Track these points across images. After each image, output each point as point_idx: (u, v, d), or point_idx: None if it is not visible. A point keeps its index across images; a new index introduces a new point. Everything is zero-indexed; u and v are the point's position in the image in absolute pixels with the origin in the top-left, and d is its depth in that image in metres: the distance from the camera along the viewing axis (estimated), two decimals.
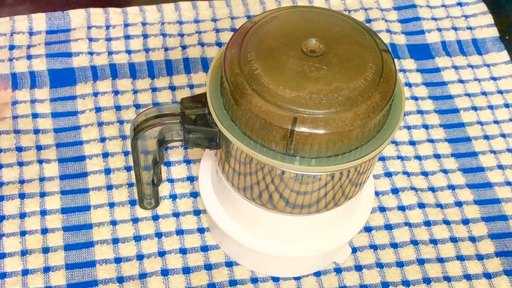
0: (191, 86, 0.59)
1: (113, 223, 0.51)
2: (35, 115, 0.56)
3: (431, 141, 0.58)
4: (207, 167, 0.49)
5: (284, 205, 0.43)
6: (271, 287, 0.50)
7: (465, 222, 0.54)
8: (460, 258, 0.52)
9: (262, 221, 0.46)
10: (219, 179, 0.46)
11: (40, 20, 0.60)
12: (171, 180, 0.54)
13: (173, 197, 0.53)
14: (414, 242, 0.52)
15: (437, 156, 0.57)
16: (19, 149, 0.54)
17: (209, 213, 0.48)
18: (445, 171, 0.56)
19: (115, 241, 0.51)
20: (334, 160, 0.40)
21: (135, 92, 0.58)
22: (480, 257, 0.52)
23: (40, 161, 0.54)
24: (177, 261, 0.50)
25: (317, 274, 0.51)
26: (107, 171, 0.53)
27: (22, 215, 0.51)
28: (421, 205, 0.54)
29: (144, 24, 0.62)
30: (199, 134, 0.43)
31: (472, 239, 0.53)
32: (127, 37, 0.61)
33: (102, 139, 0.55)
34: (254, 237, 0.47)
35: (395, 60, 0.62)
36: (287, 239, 0.47)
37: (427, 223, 0.53)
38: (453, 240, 0.53)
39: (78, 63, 0.59)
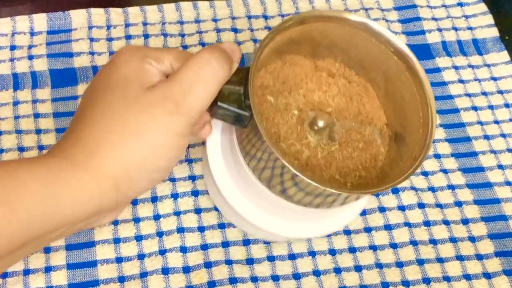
0: None
1: (115, 223, 0.51)
2: (36, 115, 0.56)
3: None
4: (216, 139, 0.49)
5: (300, 200, 0.43)
6: (271, 286, 0.50)
7: (465, 222, 0.54)
8: (460, 258, 0.52)
9: (274, 204, 0.46)
10: (235, 159, 0.46)
11: (41, 21, 0.60)
12: (172, 180, 0.54)
13: (175, 196, 0.53)
14: (414, 243, 0.52)
15: (437, 156, 0.57)
16: (21, 149, 0.54)
17: (218, 187, 0.48)
18: (445, 171, 0.56)
19: (116, 241, 0.51)
20: None
21: None
22: (479, 257, 0.52)
23: None
24: (178, 260, 0.50)
25: (317, 274, 0.51)
26: None
27: None
28: (421, 205, 0.54)
29: (145, 24, 0.62)
30: (229, 112, 0.42)
31: (472, 239, 0.53)
32: (128, 37, 0.61)
33: None
34: (268, 217, 0.47)
35: None
36: (296, 220, 0.47)
37: (427, 223, 0.53)
38: (453, 240, 0.53)
39: (80, 63, 0.59)
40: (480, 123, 0.59)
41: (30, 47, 0.59)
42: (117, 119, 0.39)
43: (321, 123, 0.44)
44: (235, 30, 0.62)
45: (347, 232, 0.53)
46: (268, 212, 0.47)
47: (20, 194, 0.36)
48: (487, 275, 0.52)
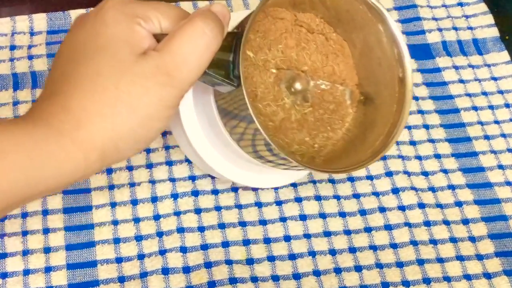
0: None
1: (115, 223, 0.51)
2: None
3: (431, 141, 0.58)
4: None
5: (273, 162, 0.44)
6: (271, 286, 0.50)
7: (465, 222, 0.54)
8: (460, 258, 0.52)
9: (246, 161, 0.47)
10: (209, 115, 0.46)
11: (41, 21, 0.60)
12: (172, 180, 0.54)
13: (175, 196, 0.53)
14: (414, 243, 0.52)
15: (437, 156, 0.57)
16: None
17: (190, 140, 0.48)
18: (445, 171, 0.56)
19: (116, 241, 0.51)
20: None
21: None
22: (480, 257, 0.52)
23: None
24: (178, 260, 0.50)
25: (317, 274, 0.51)
26: (109, 171, 0.54)
27: (24, 215, 0.51)
28: (421, 205, 0.54)
29: None
30: (215, 79, 0.41)
31: (472, 239, 0.53)
32: None
33: None
34: (238, 171, 0.49)
35: None
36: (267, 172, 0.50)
37: (427, 223, 0.53)
38: (453, 240, 0.53)
39: None
40: (481, 123, 0.59)
41: (30, 47, 0.59)
42: (108, 90, 0.38)
43: (298, 86, 0.44)
44: None
45: (347, 232, 0.53)
46: (238, 166, 0.49)
47: (2, 165, 0.35)
48: (487, 275, 0.52)
